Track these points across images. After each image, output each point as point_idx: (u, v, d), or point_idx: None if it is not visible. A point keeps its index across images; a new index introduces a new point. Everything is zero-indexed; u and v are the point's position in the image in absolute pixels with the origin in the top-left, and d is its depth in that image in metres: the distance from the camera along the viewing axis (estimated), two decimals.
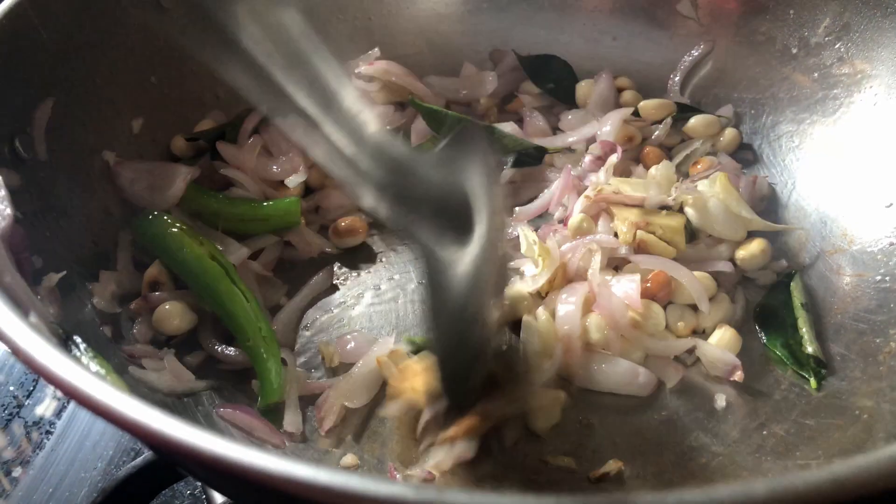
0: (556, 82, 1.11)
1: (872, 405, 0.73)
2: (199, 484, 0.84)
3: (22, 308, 0.49)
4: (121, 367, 0.73)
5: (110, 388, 0.41)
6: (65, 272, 0.70)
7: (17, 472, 0.87)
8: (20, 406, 0.94)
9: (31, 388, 0.96)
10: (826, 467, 0.39)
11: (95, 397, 0.40)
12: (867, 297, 0.84)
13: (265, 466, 0.38)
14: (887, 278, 0.83)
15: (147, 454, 0.75)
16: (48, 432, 0.91)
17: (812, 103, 1.00)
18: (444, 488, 0.37)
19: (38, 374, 0.42)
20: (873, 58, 0.94)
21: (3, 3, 0.72)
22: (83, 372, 0.42)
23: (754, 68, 1.05)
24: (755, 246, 0.89)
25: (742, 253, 0.89)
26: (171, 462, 0.54)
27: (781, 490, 0.37)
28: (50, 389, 0.96)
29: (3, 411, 0.93)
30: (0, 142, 0.70)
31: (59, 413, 0.93)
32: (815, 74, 1.00)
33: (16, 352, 0.44)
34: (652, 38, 1.11)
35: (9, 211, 0.59)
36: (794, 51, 1.01)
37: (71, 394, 0.41)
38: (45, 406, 0.94)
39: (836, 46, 0.97)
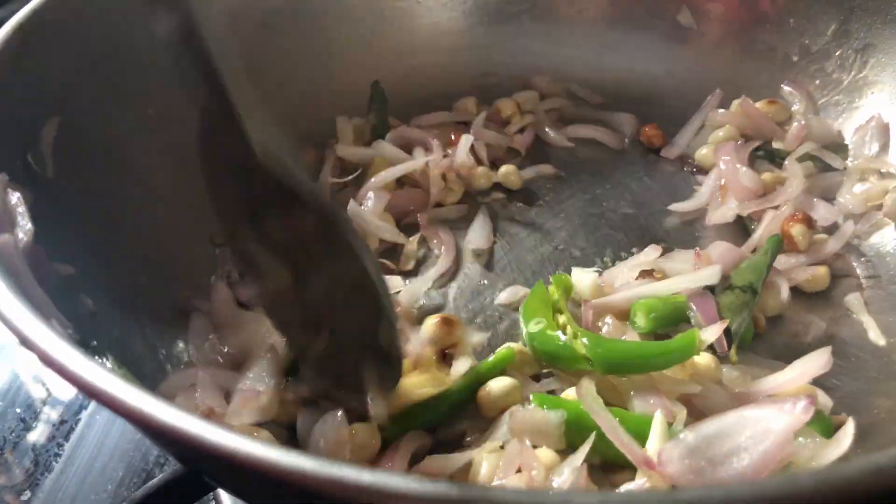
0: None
1: None
2: None
3: (45, 319, 0.49)
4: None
5: (142, 391, 0.40)
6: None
7: (25, 495, 0.86)
8: (28, 429, 0.93)
9: (38, 411, 0.95)
10: (869, 457, 0.38)
11: (129, 401, 0.40)
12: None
13: (303, 467, 0.38)
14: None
15: (164, 474, 0.74)
16: (56, 455, 0.90)
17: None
18: (489, 487, 0.36)
19: (78, 386, 0.42)
20: (875, 64, 0.95)
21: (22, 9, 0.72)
22: (118, 378, 0.41)
23: (756, 77, 1.06)
24: None
25: None
26: (201, 469, 0.54)
27: (829, 480, 0.37)
28: (57, 411, 0.95)
29: (11, 434, 0.92)
30: (12, 157, 0.69)
31: (67, 435, 0.92)
32: (817, 81, 1.01)
33: (45, 358, 0.43)
34: (653, 49, 1.12)
35: (30, 226, 0.59)
36: (796, 58, 1.03)
37: (101, 397, 0.41)
38: (53, 428, 0.93)
39: (837, 53, 0.99)
